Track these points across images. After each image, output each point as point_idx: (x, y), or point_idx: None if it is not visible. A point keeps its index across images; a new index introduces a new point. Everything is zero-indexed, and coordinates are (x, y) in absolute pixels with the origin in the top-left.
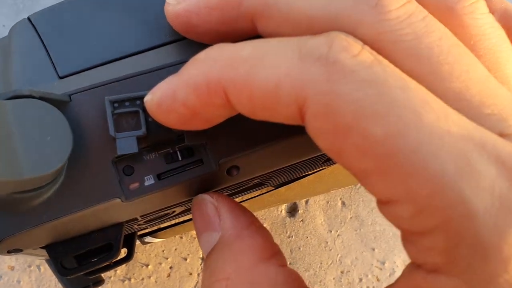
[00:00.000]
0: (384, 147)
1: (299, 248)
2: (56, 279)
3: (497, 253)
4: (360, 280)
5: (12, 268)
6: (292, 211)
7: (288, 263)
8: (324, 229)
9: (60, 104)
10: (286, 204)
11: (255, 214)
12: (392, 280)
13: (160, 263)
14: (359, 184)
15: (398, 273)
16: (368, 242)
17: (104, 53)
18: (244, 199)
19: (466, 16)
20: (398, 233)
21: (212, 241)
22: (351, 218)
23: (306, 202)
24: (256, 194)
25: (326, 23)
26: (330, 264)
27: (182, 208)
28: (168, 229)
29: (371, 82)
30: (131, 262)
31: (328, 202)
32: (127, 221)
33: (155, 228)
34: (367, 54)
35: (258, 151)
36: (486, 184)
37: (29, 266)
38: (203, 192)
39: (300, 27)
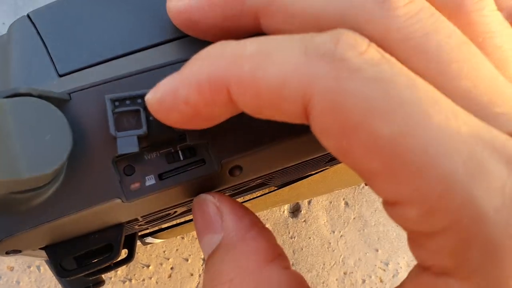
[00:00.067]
0: (392, 146)
1: (302, 249)
2: (56, 280)
3: (509, 255)
4: (364, 281)
5: (12, 269)
6: (295, 211)
7: (290, 264)
8: (327, 230)
9: (60, 102)
10: (289, 204)
11: (257, 214)
12: (396, 281)
13: (161, 264)
14: (362, 184)
15: (401, 274)
16: (372, 243)
17: (105, 51)
18: (246, 199)
19: (474, 13)
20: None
21: (214, 243)
22: (354, 218)
23: (309, 202)
24: (259, 194)
25: (332, 20)
26: (333, 265)
27: (184, 209)
28: (169, 230)
29: (379, 81)
30: (132, 262)
31: (331, 202)
32: (128, 222)
33: (156, 228)
34: (374, 52)
35: (261, 151)
36: (497, 184)
37: (29, 267)
38: (205, 192)
39: (306, 24)
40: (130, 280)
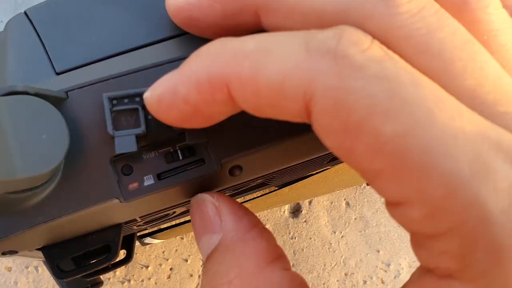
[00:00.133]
0: (395, 146)
1: (302, 250)
2: (54, 281)
3: None
4: (365, 282)
5: (9, 269)
6: (295, 211)
7: (291, 264)
8: (328, 230)
9: (57, 101)
10: (289, 204)
11: (257, 214)
12: (398, 282)
13: (161, 265)
14: (364, 184)
15: (403, 275)
16: (373, 243)
17: (103, 49)
18: (246, 200)
19: (479, 11)
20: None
21: (212, 243)
22: (355, 219)
23: (310, 202)
24: (259, 194)
25: (334, 16)
26: (334, 266)
27: (183, 209)
28: (168, 230)
29: (382, 78)
30: (130, 263)
31: (332, 202)
32: (126, 222)
33: (155, 229)
34: (377, 49)
35: (261, 151)
36: (503, 185)
37: (27, 267)
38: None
39: (307, 20)
40: (129, 280)
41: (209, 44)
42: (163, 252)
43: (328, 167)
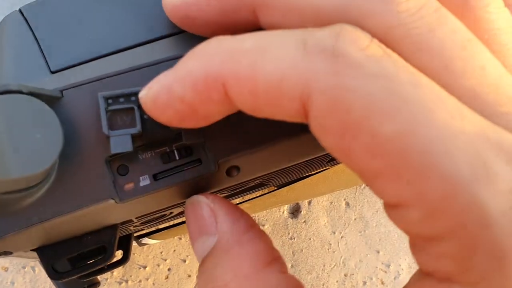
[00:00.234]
0: (394, 146)
1: (302, 250)
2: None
3: None
4: (364, 283)
5: (6, 269)
6: (295, 212)
7: (290, 265)
8: (328, 231)
9: (51, 100)
10: (288, 204)
11: (256, 215)
12: (397, 283)
13: (158, 265)
14: (363, 185)
15: (403, 276)
16: (373, 244)
17: (98, 47)
18: (244, 200)
19: (481, 10)
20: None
21: (208, 246)
22: (355, 219)
23: (309, 202)
24: (258, 195)
25: (332, 14)
26: (334, 266)
27: (180, 209)
28: (166, 230)
29: (381, 77)
30: (128, 263)
31: (331, 203)
32: (122, 223)
33: (152, 229)
34: (376, 48)
35: (259, 151)
36: (503, 187)
37: (23, 267)
38: (202, 193)
39: (305, 19)
40: (127, 281)
41: (206, 42)
42: (161, 252)
43: (328, 167)
